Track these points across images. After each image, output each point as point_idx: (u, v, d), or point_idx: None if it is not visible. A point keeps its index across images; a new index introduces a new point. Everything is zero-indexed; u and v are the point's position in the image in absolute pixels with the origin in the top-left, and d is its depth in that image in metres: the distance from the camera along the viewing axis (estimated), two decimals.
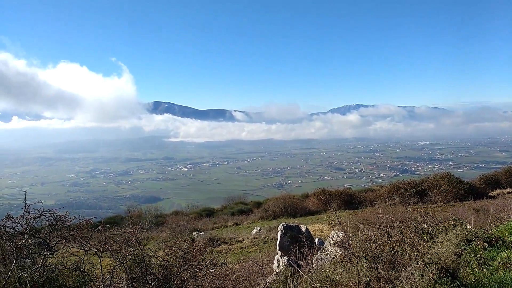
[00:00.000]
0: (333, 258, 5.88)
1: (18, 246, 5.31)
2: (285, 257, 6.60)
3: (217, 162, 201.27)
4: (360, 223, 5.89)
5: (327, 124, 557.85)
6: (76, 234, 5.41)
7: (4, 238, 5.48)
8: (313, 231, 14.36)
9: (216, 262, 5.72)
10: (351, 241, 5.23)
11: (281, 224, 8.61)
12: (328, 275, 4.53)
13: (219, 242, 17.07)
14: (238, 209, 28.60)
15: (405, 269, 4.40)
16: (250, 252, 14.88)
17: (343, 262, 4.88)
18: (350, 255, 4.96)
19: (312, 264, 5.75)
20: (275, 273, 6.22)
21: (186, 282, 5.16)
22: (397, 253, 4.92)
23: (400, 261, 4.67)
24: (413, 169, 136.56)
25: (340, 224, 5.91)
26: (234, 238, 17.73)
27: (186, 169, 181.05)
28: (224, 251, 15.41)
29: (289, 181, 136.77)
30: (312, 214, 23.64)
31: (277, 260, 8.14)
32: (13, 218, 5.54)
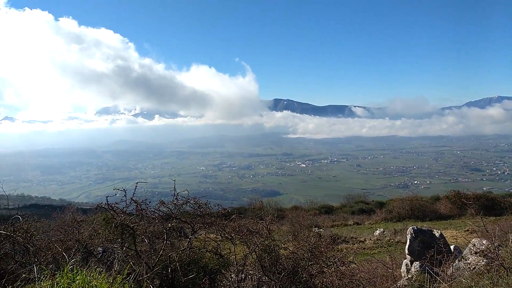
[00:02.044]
0: (474, 268, 5.30)
1: (169, 228, 6.14)
2: (417, 262, 6.18)
3: (335, 159, 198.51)
4: (510, 232, 5.15)
5: (462, 119, 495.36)
6: (215, 221, 6.02)
7: (157, 220, 6.34)
8: (445, 237, 13.07)
9: (345, 260, 5.69)
10: (499, 251, 4.63)
11: (410, 227, 8.09)
12: (472, 286, 4.11)
13: (339, 240, 16.81)
14: (358, 208, 27.74)
15: None
16: (373, 253, 14.26)
17: (489, 274, 4.36)
18: (498, 267, 4.40)
19: (450, 273, 5.27)
20: (406, 278, 5.88)
21: (313, 277, 5.27)
22: None
23: None
24: None
25: (487, 231, 5.25)
26: (355, 238, 17.25)
27: (304, 165, 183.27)
28: (345, 250, 15.12)
29: (415, 182, 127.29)
30: (443, 218, 21.46)
31: (406, 264, 7.67)
32: (164, 203, 6.40)
